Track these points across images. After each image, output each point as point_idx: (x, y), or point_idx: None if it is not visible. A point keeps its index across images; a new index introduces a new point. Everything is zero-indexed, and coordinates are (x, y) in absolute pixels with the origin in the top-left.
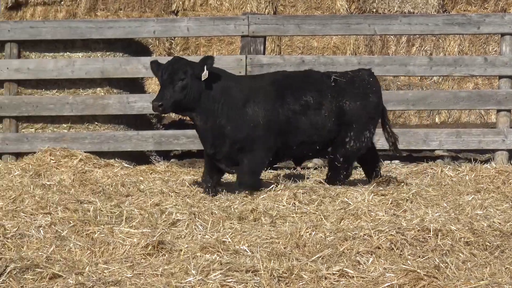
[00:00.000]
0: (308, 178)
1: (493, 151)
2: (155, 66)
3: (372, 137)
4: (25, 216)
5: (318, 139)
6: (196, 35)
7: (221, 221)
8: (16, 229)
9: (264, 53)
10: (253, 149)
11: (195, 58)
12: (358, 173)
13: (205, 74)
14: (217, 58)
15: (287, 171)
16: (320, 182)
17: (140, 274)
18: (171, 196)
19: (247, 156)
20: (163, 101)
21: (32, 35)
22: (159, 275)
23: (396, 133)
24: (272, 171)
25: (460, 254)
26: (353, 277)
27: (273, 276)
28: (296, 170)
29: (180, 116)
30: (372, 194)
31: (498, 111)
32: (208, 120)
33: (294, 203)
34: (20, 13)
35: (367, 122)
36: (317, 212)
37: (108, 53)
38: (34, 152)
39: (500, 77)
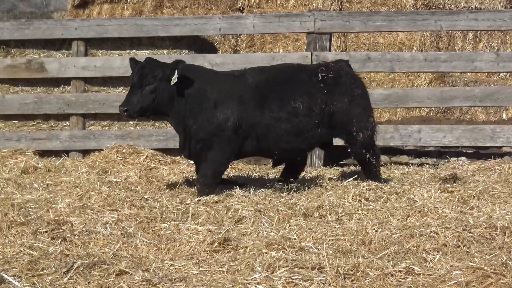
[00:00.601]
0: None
1: None
2: (132, 65)
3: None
4: (92, 213)
5: (302, 145)
6: (262, 32)
7: (286, 218)
8: (83, 225)
9: (329, 50)
10: (212, 149)
11: (259, 56)
12: (424, 170)
13: (175, 78)
14: (283, 55)
15: (352, 168)
16: (280, 181)
17: (206, 270)
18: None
19: (207, 156)
20: (129, 106)
21: (98, 33)
22: (225, 272)
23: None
24: (338, 167)
25: None
26: (419, 274)
27: (339, 273)
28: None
29: None
30: (439, 191)
31: None
32: (180, 122)
33: (360, 200)
34: (87, 11)
35: (365, 108)
36: (383, 209)
37: (174, 50)
38: (101, 149)
39: None
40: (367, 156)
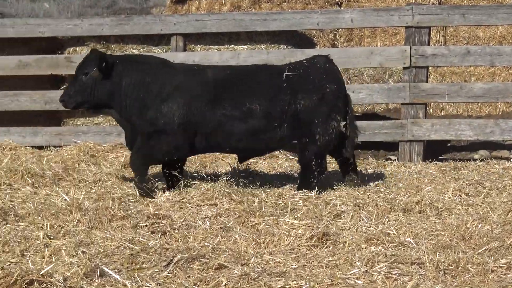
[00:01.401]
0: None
1: None
2: None
3: (340, 125)
4: (192, 207)
5: (261, 146)
6: (360, 26)
7: (385, 213)
8: (182, 220)
9: (428, 44)
10: (155, 139)
11: (357, 50)
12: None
13: (95, 71)
14: (381, 50)
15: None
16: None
17: (305, 265)
18: (334, 188)
19: (147, 142)
20: (65, 97)
21: (197, 28)
22: (324, 267)
23: (358, 129)
24: (437, 162)
25: None
26: None
27: (439, 268)
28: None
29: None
30: None
31: None
32: (122, 115)
33: (459, 195)
34: (185, 7)
35: (329, 113)
36: (483, 204)
37: (272, 45)
38: None
39: None
40: (313, 163)
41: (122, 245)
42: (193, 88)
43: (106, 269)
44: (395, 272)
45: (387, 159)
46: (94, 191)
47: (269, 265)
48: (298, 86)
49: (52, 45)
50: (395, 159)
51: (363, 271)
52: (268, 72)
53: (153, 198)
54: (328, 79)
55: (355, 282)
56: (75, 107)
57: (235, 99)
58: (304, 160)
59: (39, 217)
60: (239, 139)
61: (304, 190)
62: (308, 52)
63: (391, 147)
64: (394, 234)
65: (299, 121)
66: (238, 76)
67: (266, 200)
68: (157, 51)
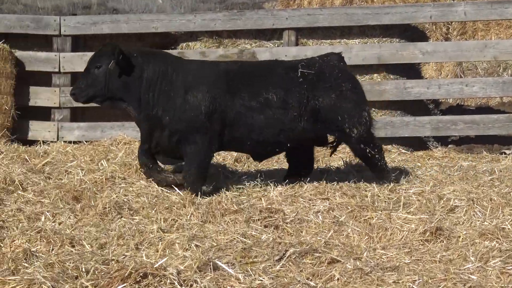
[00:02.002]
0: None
1: None
2: None
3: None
4: (304, 201)
5: (285, 140)
6: (473, 19)
7: (500, 207)
8: (295, 214)
9: None
10: (195, 141)
11: (471, 44)
12: None
13: (112, 64)
14: (495, 43)
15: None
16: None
17: (418, 260)
18: (447, 182)
19: (190, 148)
20: (76, 90)
21: (309, 22)
22: (437, 262)
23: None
24: None
25: None
26: None
27: None
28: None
29: (458, 101)
30: None
31: None
32: (142, 111)
33: None
34: (297, 1)
35: (357, 103)
36: None
37: (384, 39)
38: None
39: None
40: (367, 150)
41: (235, 239)
42: (215, 77)
43: (219, 263)
44: (510, 267)
45: (501, 153)
46: (204, 187)
47: (381, 259)
48: (314, 82)
49: (165, 41)
50: (510, 153)
51: (477, 266)
52: (283, 66)
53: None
54: (344, 77)
55: (468, 277)
56: (86, 101)
57: (252, 90)
58: (358, 153)
59: (153, 211)
60: (260, 131)
61: (383, 176)
62: (421, 46)
63: (505, 141)
64: (509, 229)
65: (324, 117)
66: (254, 69)
67: (379, 194)
68: (269, 46)
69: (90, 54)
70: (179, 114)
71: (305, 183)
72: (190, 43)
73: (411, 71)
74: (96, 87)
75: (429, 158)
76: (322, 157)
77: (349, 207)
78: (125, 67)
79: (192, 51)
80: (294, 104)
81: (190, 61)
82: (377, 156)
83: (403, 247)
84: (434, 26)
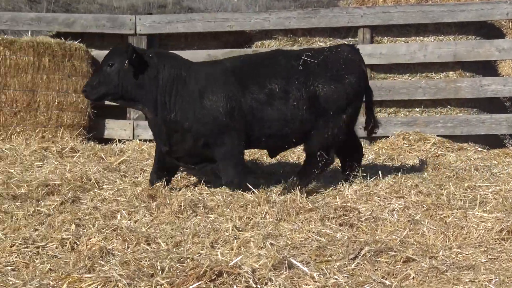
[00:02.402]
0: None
1: None
2: None
3: (353, 123)
4: (379, 200)
5: (290, 131)
6: None
7: None
8: (370, 212)
9: None
10: (223, 143)
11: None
12: None
13: (126, 64)
14: None
15: None
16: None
17: (494, 259)
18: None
19: (220, 150)
20: (87, 87)
21: (384, 20)
22: None
23: (378, 121)
24: None
25: None
26: None
27: None
28: None
29: None
30: None
31: None
32: (159, 113)
33: None
34: None
35: (344, 106)
36: None
37: (460, 36)
38: (387, 136)
39: None
40: (318, 153)
41: (309, 237)
42: (226, 76)
43: (294, 261)
44: None
45: None
46: (278, 186)
47: (457, 258)
48: (316, 72)
49: (240, 39)
50: None
51: None
52: (285, 55)
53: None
54: (348, 70)
55: None
56: (97, 99)
57: (264, 87)
58: (310, 150)
59: (228, 209)
60: (270, 125)
61: (302, 181)
62: (497, 43)
63: None
64: None
65: (318, 107)
66: (257, 61)
67: (455, 192)
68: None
69: None
70: (199, 118)
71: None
72: (264, 41)
73: (487, 68)
74: (108, 85)
75: (505, 156)
76: (398, 155)
77: (424, 205)
78: (139, 67)
79: (267, 49)
80: (296, 94)
81: (200, 64)
82: (320, 164)
83: (479, 246)
84: (511, 23)
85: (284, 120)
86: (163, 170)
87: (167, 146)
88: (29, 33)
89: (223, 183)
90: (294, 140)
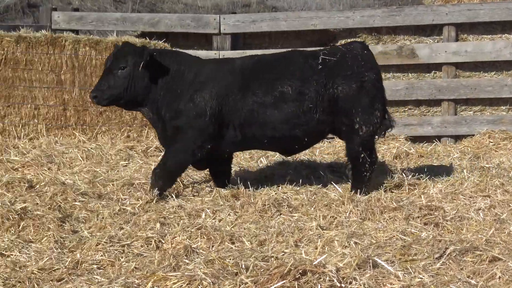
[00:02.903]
0: None
1: None
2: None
3: (381, 115)
4: (464, 199)
5: (302, 134)
6: None
7: None
8: (455, 211)
9: None
10: (176, 141)
11: None
12: None
13: (142, 64)
14: None
15: None
16: None
17: None
18: None
19: (172, 144)
20: (98, 92)
21: (469, 17)
22: None
23: (393, 120)
24: None
25: None
26: None
27: None
28: None
29: None
30: None
31: None
32: (154, 110)
33: None
34: None
35: (371, 104)
36: None
37: None
38: (472, 135)
39: None
40: (362, 155)
41: (394, 236)
42: (225, 76)
43: (379, 260)
44: None
45: None
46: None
47: None
48: (335, 71)
49: (324, 37)
50: None
51: None
52: (302, 55)
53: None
54: (367, 67)
55: None
56: (107, 104)
57: (266, 83)
58: (352, 155)
59: (312, 208)
60: (274, 127)
61: (358, 188)
62: None
63: None
64: None
65: (338, 109)
66: (269, 60)
67: None
68: (429, 42)
69: (249, 52)
70: (181, 110)
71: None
72: (348, 39)
73: None
74: (119, 88)
75: None
76: (483, 154)
77: (511, 204)
78: (152, 68)
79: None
80: (312, 94)
81: (207, 61)
82: (367, 166)
83: None
84: None
85: (293, 122)
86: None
87: (159, 141)
88: (114, 33)
89: (153, 167)
90: (307, 142)
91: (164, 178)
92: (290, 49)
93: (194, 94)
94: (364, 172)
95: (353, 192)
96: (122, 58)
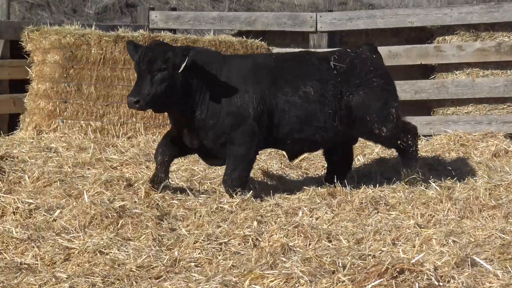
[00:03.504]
0: None
1: None
2: (132, 49)
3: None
4: None
5: (320, 138)
6: None
7: None
8: None
9: None
10: (239, 144)
11: None
12: None
13: (183, 66)
14: None
15: None
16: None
17: None
18: None
19: (232, 150)
20: (140, 96)
21: None
22: None
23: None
24: None
25: None
26: None
27: None
28: None
29: None
30: None
31: None
32: (188, 114)
33: None
34: None
35: (386, 101)
36: None
37: None
38: None
39: None
40: (399, 142)
41: (493, 234)
42: (259, 73)
43: (477, 259)
44: None
45: None
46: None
47: None
48: (346, 76)
49: (421, 35)
50: None
51: None
52: (316, 57)
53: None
54: (376, 71)
55: None
56: (151, 107)
57: (291, 82)
58: (390, 146)
59: (410, 206)
60: (300, 128)
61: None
62: None
63: None
64: None
65: (353, 113)
66: (289, 61)
67: None
68: None
69: None
70: (225, 116)
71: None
72: (446, 37)
73: None
74: (161, 92)
75: None
76: None
77: None
78: (191, 68)
79: (448, 45)
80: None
81: (231, 58)
82: (409, 142)
83: None
84: None
85: (317, 126)
86: (169, 147)
87: (190, 144)
88: (211, 32)
89: (222, 181)
90: (320, 145)
91: (238, 186)
92: (302, 50)
93: (239, 94)
94: (409, 148)
95: (406, 169)
96: (160, 59)
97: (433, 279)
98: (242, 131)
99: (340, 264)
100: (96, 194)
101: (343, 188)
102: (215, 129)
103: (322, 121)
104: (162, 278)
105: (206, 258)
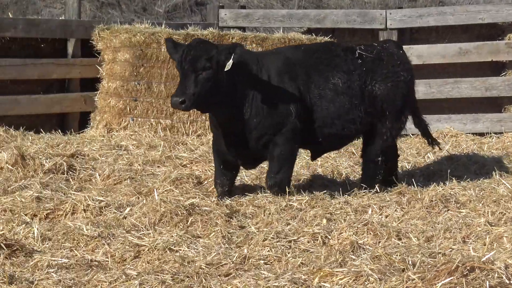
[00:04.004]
0: None
1: None
2: (172, 47)
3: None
4: None
5: (348, 131)
6: None
7: None
8: None
9: None
10: (282, 143)
11: None
12: None
13: (229, 64)
14: None
15: None
16: None
17: None
18: None
19: (276, 150)
20: (186, 96)
21: None
22: None
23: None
24: None
25: None
26: None
27: None
28: None
29: None
30: None
31: None
32: (232, 114)
33: None
34: None
35: (402, 107)
36: None
37: None
38: None
39: None
40: (379, 160)
41: None
42: (293, 69)
43: None
44: None
45: None
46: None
47: None
48: (373, 68)
49: (492, 31)
50: None
51: None
52: (341, 48)
53: None
54: (402, 66)
55: None
56: (196, 107)
57: (322, 75)
58: (370, 157)
59: (480, 204)
60: (332, 123)
61: (369, 184)
62: None
63: None
64: None
65: (375, 106)
66: (315, 51)
67: None
68: None
69: (416, 48)
70: (271, 116)
71: None
72: None
73: None
74: (207, 91)
75: None
76: None
77: None
78: (236, 67)
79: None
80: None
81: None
82: (379, 170)
83: None
84: None
85: (346, 119)
86: (225, 175)
87: (234, 149)
88: (281, 30)
89: (268, 184)
90: (347, 140)
91: (284, 188)
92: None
93: (281, 91)
94: (376, 172)
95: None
96: (204, 57)
97: (504, 278)
98: (286, 130)
99: (410, 262)
100: (165, 192)
101: (412, 186)
102: (259, 128)
103: (350, 113)
104: (231, 275)
105: (275, 256)
